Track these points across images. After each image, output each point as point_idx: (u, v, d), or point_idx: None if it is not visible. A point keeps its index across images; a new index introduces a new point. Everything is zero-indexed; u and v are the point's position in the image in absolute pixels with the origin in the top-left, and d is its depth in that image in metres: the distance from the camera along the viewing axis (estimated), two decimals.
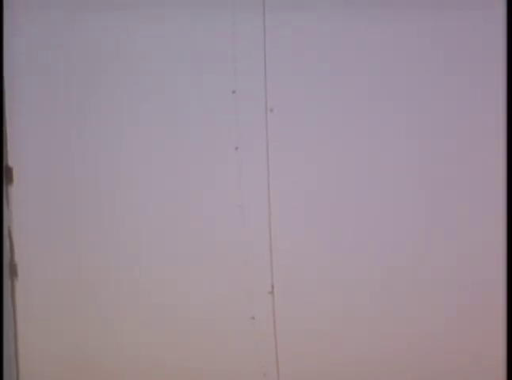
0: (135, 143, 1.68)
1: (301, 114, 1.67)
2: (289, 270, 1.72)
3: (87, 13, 1.63)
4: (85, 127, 1.68)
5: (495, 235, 1.66)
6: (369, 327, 1.73)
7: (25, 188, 1.69)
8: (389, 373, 1.74)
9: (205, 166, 1.69)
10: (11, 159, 1.68)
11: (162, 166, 1.69)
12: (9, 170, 1.67)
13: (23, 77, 1.65)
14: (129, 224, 1.71)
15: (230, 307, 1.72)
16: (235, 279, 1.71)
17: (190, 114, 1.67)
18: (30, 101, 1.66)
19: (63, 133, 1.68)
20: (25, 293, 1.72)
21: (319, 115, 1.67)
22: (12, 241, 1.70)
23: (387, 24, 1.64)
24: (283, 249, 1.70)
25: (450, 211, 1.70)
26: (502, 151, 1.63)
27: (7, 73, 1.63)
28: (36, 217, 1.70)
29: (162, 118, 1.68)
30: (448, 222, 1.70)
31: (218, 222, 1.70)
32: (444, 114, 1.67)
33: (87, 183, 1.69)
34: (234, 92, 1.65)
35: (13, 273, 1.71)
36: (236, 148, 1.68)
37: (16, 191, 1.69)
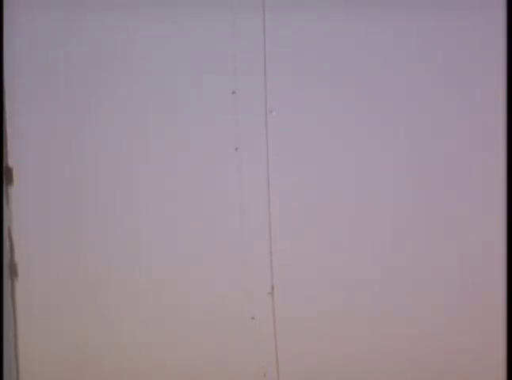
0: (135, 143, 1.68)
1: (301, 114, 1.67)
2: (289, 270, 1.72)
3: (87, 13, 1.63)
4: (85, 127, 1.68)
5: (495, 235, 1.66)
6: (369, 327, 1.73)
7: (25, 188, 1.68)
8: (389, 373, 1.74)
9: (205, 166, 1.69)
10: (11, 159, 1.67)
11: (162, 166, 1.69)
12: (9, 170, 1.67)
13: (23, 77, 1.65)
14: (129, 224, 1.71)
15: (230, 307, 1.72)
16: (235, 279, 1.71)
17: (190, 114, 1.67)
18: (30, 101, 1.65)
19: (63, 133, 1.67)
20: (25, 293, 1.72)
21: (318, 116, 1.67)
22: (12, 241, 1.70)
23: (387, 24, 1.64)
24: (283, 249, 1.70)
25: (450, 211, 1.70)
26: (502, 151, 1.63)
27: (7, 73, 1.63)
28: (36, 217, 1.70)
29: (162, 118, 1.67)
30: (448, 222, 1.70)
31: (218, 222, 1.70)
32: (444, 114, 1.67)
33: (87, 183, 1.69)
34: (234, 92, 1.65)
35: (13, 273, 1.71)
36: (236, 148, 1.67)
37: (16, 192, 1.68)
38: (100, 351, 1.75)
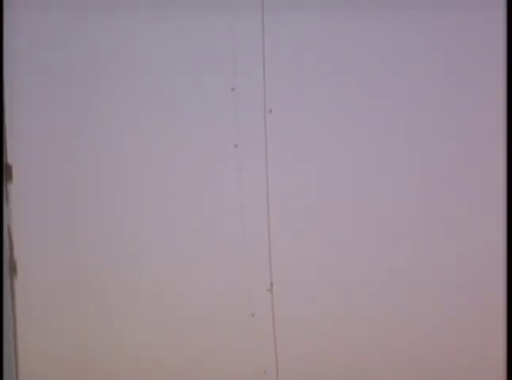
0: (135, 143, 1.68)
1: (301, 114, 1.67)
2: (289, 270, 1.72)
3: (87, 13, 1.63)
4: (85, 127, 1.68)
5: (495, 235, 1.66)
6: (369, 327, 1.73)
7: (25, 186, 1.68)
8: (389, 373, 1.74)
9: (205, 166, 1.69)
10: (11, 157, 1.67)
11: (162, 166, 1.69)
12: (9, 167, 1.67)
13: (23, 77, 1.65)
14: (129, 224, 1.71)
15: (229, 306, 1.72)
16: (235, 279, 1.71)
17: (190, 114, 1.67)
18: (30, 101, 1.65)
19: (62, 133, 1.67)
20: (25, 293, 1.72)
21: (318, 115, 1.67)
22: (11, 239, 1.70)
23: (387, 24, 1.65)
24: (283, 249, 1.70)
25: (450, 211, 1.70)
26: (502, 151, 1.63)
27: (7, 73, 1.63)
28: (35, 215, 1.69)
29: (162, 118, 1.68)
30: (448, 222, 1.70)
31: (218, 221, 1.70)
32: (444, 114, 1.67)
33: (87, 182, 1.69)
34: (233, 89, 1.65)
35: (13, 272, 1.71)
36: (235, 145, 1.67)
37: (15, 189, 1.68)
38: (100, 351, 1.75)
